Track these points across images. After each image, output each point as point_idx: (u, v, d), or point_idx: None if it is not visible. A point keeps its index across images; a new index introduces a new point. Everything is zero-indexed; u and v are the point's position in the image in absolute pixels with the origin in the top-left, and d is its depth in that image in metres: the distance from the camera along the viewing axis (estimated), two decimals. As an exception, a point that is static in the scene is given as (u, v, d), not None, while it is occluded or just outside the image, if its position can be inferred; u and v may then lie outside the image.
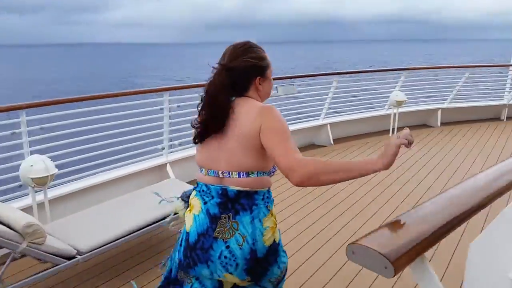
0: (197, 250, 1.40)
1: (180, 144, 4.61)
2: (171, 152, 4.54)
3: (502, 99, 7.86)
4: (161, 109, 4.31)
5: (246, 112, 1.39)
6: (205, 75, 1.47)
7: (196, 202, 1.45)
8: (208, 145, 1.43)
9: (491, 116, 7.84)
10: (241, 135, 1.36)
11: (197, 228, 1.41)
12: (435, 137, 6.58)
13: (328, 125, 6.22)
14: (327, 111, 6.32)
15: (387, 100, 6.73)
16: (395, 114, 6.48)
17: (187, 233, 1.44)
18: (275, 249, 1.44)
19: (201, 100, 1.44)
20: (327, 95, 6.30)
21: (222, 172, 1.40)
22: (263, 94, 1.50)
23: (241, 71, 1.42)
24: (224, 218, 1.39)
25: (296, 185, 1.27)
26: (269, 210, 1.44)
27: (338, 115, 6.66)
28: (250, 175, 1.39)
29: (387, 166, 1.23)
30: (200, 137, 1.43)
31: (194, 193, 1.49)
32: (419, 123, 7.48)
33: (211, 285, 1.47)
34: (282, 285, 1.60)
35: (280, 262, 1.49)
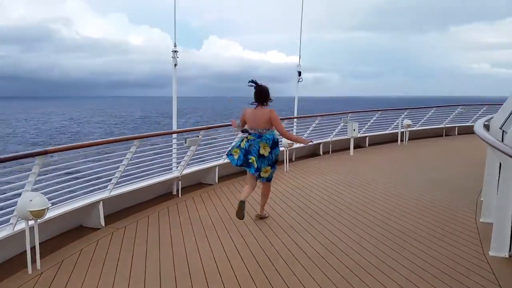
0: (251, 148, 4.91)
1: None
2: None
3: (172, 172, 6.47)
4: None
5: (264, 111, 4.90)
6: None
7: (250, 136, 4.96)
8: (252, 121, 4.92)
9: (165, 191, 6.42)
10: (264, 119, 4.87)
11: (252, 141, 4.94)
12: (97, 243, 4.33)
13: None
14: None
15: None
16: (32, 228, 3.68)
17: (245, 148, 4.95)
18: (277, 142, 5.04)
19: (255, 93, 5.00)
20: None
21: (260, 129, 4.90)
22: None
23: (266, 93, 4.98)
24: (260, 137, 4.93)
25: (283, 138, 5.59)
26: (275, 132, 5.03)
27: None
28: (269, 129, 4.94)
29: (305, 142, 5.64)
30: (256, 101, 4.97)
31: (249, 135, 5.00)
32: (75, 225, 4.92)
33: (253, 169, 4.89)
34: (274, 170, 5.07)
35: (277, 148, 5.04)
